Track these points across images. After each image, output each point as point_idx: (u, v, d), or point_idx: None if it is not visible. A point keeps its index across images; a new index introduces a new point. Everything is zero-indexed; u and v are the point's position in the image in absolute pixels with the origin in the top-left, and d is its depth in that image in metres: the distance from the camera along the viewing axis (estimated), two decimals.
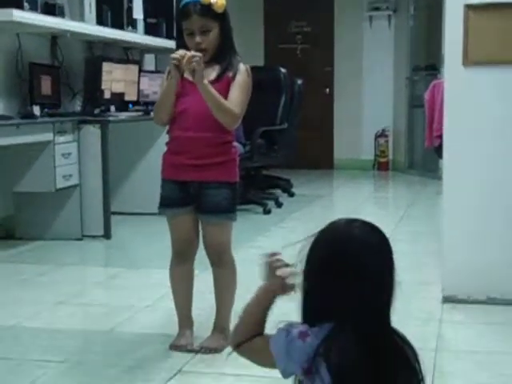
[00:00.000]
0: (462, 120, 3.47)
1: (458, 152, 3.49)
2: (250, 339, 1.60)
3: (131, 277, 4.15)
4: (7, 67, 5.09)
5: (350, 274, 1.45)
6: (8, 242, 4.99)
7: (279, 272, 1.59)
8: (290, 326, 1.50)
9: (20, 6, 4.47)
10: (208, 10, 2.70)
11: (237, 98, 2.75)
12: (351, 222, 1.54)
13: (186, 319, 2.96)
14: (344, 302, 1.45)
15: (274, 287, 1.60)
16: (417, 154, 9.04)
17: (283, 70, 7.00)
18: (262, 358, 1.57)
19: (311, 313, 1.50)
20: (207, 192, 2.80)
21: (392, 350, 1.46)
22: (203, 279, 3.10)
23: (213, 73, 2.76)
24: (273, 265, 1.61)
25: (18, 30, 5.00)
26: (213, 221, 2.83)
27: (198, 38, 2.73)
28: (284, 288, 1.59)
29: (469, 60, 3.42)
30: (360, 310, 1.44)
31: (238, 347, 1.62)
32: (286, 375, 1.50)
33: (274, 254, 1.62)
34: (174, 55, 2.69)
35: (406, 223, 5.72)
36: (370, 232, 1.51)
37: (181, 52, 2.68)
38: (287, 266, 1.59)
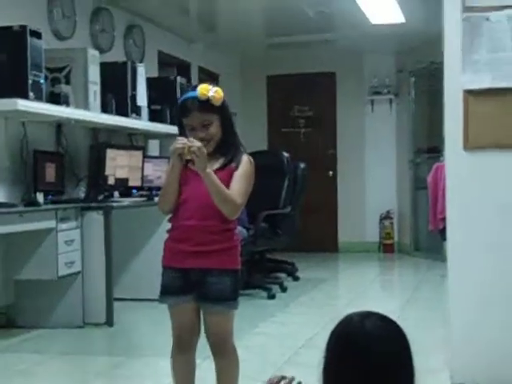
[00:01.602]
0: (464, 204, 3.47)
1: (462, 236, 3.47)
2: None
3: (134, 366, 4.08)
4: (12, 155, 5.13)
5: (365, 371, 1.42)
6: (9, 331, 4.92)
7: None
8: None
9: (25, 96, 4.53)
10: (207, 105, 2.73)
11: (239, 188, 2.75)
12: (365, 317, 1.49)
13: None
14: None
15: None
16: (422, 235, 9.01)
17: (286, 154, 7.06)
18: None
19: None
20: (209, 280, 2.76)
21: None
22: (205, 368, 3.03)
23: (216, 163, 2.77)
24: None
25: (22, 119, 5.07)
26: (215, 309, 2.78)
27: (199, 133, 2.74)
28: None
29: (469, 144, 3.44)
30: None
31: None
32: None
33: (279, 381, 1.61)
34: (176, 145, 2.70)
35: (413, 307, 5.64)
36: (384, 327, 1.48)
37: (182, 142, 2.70)
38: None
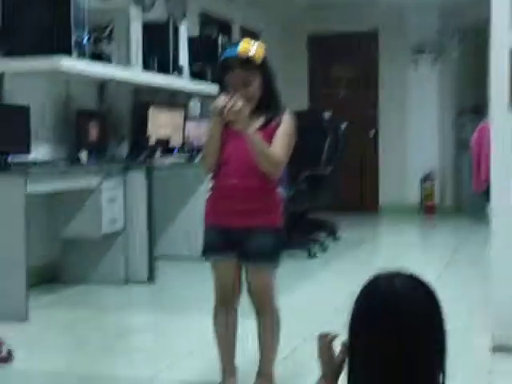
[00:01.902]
0: (509, 164, 3.41)
1: (506, 197, 3.43)
2: None
3: (175, 322, 4.14)
4: (56, 114, 5.19)
5: (389, 331, 1.39)
6: (54, 286, 5.02)
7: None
8: None
9: (69, 55, 4.55)
10: (248, 63, 2.71)
11: (281, 147, 2.74)
12: (394, 276, 1.46)
13: (229, 367, 2.93)
14: (379, 361, 1.39)
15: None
16: (464, 197, 8.92)
17: (327, 114, 7.01)
18: None
19: (352, 376, 1.46)
20: (251, 238, 2.78)
21: None
22: (247, 325, 3.06)
23: (257, 122, 2.76)
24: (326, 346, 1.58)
25: (66, 78, 5.11)
26: (256, 267, 2.80)
27: (241, 91, 2.73)
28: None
29: None
30: (394, 373, 1.38)
31: None
32: None
33: (326, 336, 1.61)
34: (215, 104, 2.70)
35: (454, 268, 5.62)
36: (412, 286, 1.44)
37: (222, 100, 2.69)
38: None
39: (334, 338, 1.61)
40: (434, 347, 1.42)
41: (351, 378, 1.47)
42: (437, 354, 1.42)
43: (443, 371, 1.44)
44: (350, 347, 1.47)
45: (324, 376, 1.62)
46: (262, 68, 2.76)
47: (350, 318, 1.47)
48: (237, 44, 2.76)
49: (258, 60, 2.73)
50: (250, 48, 2.72)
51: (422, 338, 1.40)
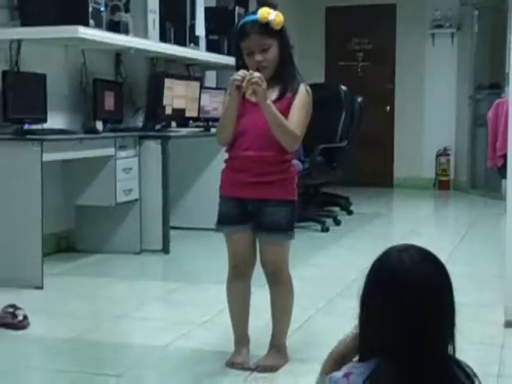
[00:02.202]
0: None
1: None
2: None
3: (189, 292, 4.17)
4: (72, 83, 5.20)
5: (396, 304, 1.41)
6: (69, 255, 5.07)
7: None
8: (333, 371, 1.51)
9: (86, 23, 4.55)
10: (266, 28, 2.71)
11: (297, 119, 2.74)
12: (403, 250, 1.47)
13: (242, 337, 2.95)
14: (390, 334, 1.41)
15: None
16: (479, 173, 8.89)
17: (343, 87, 6.98)
18: None
19: (362, 345, 1.48)
20: (266, 210, 2.79)
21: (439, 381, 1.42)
22: (260, 296, 3.08)
23: (273, 93, 2.76)
24: None
25: (83, 47, 5.11)
26: (271, 239, 2.81)
27: (258, 57, 2.73)
28: None
29: None
30: (404, 344, 1.40)
31: None
32: None
33: None
34: (234, 76, 2.70)
35: (467, 244, 5.61)
36: (422, 261, 1.45)
37: (241, 73, 2.68)
38: None
39: None
40: (443, 320, 1.44)
41: (363, 351, 1.49)
42: (446, 327, 1.44)
43: (453, 344, 1.45)
44: (362, 318, 1.48)
45: (335, 353, 1.63)
46: (280, 36, 2.75)
47: (362, 290, 1.48)
48: (255, 12, 2.75)
49: (277, 26, 2.72)
50: (270, 13, 2.71)
51: (431, 311, 1.42)
